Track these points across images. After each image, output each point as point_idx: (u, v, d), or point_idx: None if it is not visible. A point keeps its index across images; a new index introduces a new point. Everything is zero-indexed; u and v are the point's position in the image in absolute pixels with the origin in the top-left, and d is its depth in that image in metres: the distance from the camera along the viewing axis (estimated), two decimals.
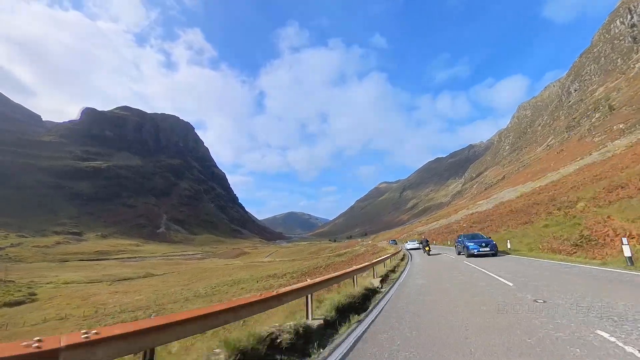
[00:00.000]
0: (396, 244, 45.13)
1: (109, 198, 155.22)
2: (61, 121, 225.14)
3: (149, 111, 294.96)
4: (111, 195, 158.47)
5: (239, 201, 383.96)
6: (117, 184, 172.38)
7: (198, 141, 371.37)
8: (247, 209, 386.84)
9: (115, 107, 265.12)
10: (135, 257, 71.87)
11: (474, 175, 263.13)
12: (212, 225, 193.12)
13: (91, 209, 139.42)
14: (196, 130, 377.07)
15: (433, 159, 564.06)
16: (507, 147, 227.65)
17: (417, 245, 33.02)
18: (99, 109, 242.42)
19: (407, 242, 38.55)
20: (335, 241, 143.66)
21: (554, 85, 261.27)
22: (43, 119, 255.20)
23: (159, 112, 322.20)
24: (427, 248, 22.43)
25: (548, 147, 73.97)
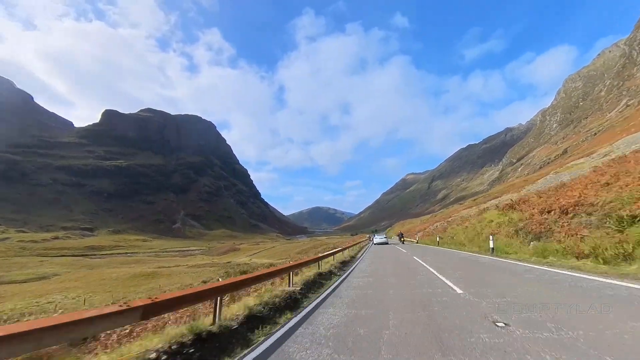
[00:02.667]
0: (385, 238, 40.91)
1: (129, 195, 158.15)
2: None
3: (173, 113, 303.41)
4: (131, 192, 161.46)
5: (262, 197, 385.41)
6: (138, 181, 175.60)
7: (220, 139, 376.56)
8: (273, 205, 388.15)
9: (139, 109, 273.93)
10: (127, 253, 67.50)
11: (514, 161, 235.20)
12: (230, 220, 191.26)
13: (111, 206, 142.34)
14: (221, 130, 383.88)
15: (464, 146, 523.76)
16: (554, 125, 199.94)
17: (384, 240, 31.56)
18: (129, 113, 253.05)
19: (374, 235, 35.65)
20: (356, 234, 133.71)
21: (610, 51, 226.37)
22: (75, 126, 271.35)
23: (182, 114, 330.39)
24: (402, 239, 32.05)
25: (627, 107, 56.23)
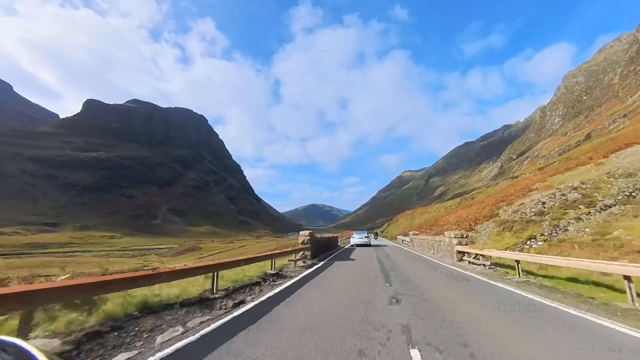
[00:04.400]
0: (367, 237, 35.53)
1: (107, 188, 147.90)
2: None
3: (165, 106, 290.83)
4: (110, 185, 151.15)
5: (256, 193, 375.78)
6: (118, 174, 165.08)
7: (212, 133, 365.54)
8: (271, 203, 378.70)
9: (125, 100, 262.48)
10: (76, 252, 58.23)
11: (514, 157, 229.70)
12: (218, 216, 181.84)
13: (85, 200, 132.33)
14: (216, 125, 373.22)
15: (462, 143, 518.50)
16: (556, 120, 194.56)
17: (365, 240, 24.51)
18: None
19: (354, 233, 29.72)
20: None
21: (612, 46, 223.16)
22: (60, 117, 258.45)
23: (173, 106, 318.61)
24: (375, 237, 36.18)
25: None
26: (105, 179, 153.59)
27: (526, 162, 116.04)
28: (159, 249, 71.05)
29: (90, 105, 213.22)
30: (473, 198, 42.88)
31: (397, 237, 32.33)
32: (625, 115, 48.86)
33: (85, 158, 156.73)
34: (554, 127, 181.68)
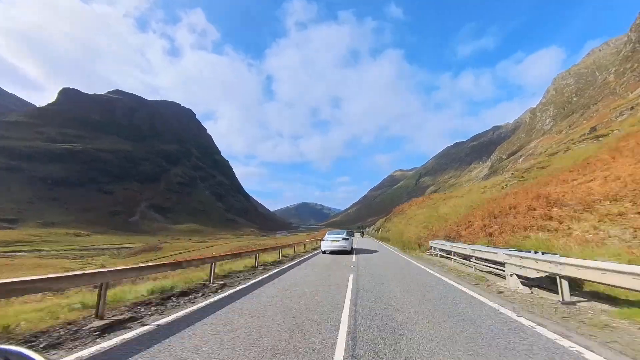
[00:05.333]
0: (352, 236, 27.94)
1: (82, 183, 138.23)
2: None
3: (154, 100, 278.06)
4: (86, 180, 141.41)
5: (246, 191, 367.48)
6: (96, 168, 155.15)
7: (200, 128, 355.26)
8: (262, 201, 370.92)
9: (106, 91, 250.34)
10: (23, 252, 51.08)
11: (504, 157, 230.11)
12: (203, 213, 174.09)
13: (55, 194, 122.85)
14: (207, 121, 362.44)
15: (452, 144, 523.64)
16: (547, 120, 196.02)
17: (341, 246, 15.60)
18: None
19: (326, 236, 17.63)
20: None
21: (600, 49, 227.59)
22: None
23: (159, 99, 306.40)
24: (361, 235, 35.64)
25: None
26: (80, 173, 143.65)
27: (520, 160, 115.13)
28: (124, 248, 64.20)
29: (67, 95, 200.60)
30: (543, 168, 22.15)
31: (431, 245, 15.34)
32: (632, 108, 46.43)
33: (59, 150, 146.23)
34: (545, 128, 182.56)
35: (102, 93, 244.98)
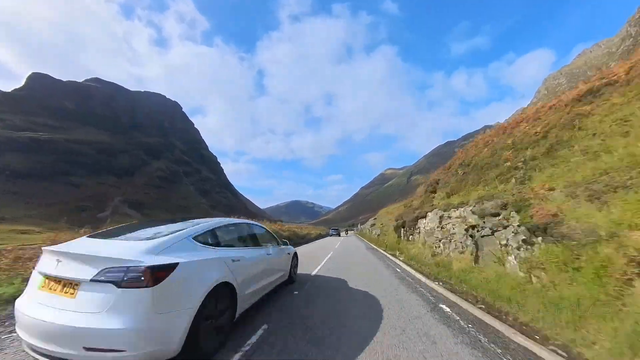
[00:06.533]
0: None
1: (48, 176, 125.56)
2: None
3: (137, 90, 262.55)
4: (53, 172, 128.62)
5: (236, 188, 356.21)
6: (66, 160, 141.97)
7: (187, 122, 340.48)
8: (253, 198, 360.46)
9: (84, 79, 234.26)
10: None
11: None
12: (185, 210, 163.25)
13: (16, 188, 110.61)
14: (196, 116, 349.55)
15: (443, 143, 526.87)
16: None
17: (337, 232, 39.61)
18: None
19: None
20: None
21: (591, 50, 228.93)
22: None
23: (143, 90, 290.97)
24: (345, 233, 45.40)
25: None
26: (47, 164, 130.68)
27: None
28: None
29: (37, 80, 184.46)
30: None
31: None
32: None
33: (23, 139, 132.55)
34: None
35: (80, 80, 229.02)
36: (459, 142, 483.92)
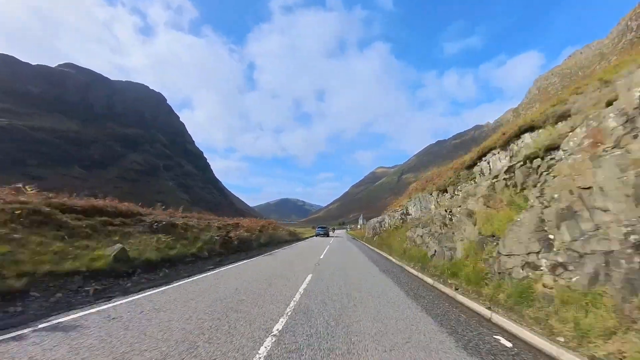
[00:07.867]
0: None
1: (4, 167, 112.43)
2: None
3: (117, 80, 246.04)
4: (9, 162, 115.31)
5: (223, 184, 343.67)
6: (25, 149, 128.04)
7: (172, 115, 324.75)
8: (243, 196, 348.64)
9: (57, 64, 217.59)
10: None
11: None
12: (161, 205, 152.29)
13: None
14: (183, 110, 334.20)
15: (434, 142, 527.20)
16: None
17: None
18: None
19: None
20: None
21: (581, 52, 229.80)
22: None
23: (123, 80, 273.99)
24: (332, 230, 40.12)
25: None
26: (2, 153, 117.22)
27: None
28: None
29: (1, 62, 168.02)
30: None
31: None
32: None
33: None
34: None
35: (52, 65, 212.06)
36: (450, 141, 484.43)
